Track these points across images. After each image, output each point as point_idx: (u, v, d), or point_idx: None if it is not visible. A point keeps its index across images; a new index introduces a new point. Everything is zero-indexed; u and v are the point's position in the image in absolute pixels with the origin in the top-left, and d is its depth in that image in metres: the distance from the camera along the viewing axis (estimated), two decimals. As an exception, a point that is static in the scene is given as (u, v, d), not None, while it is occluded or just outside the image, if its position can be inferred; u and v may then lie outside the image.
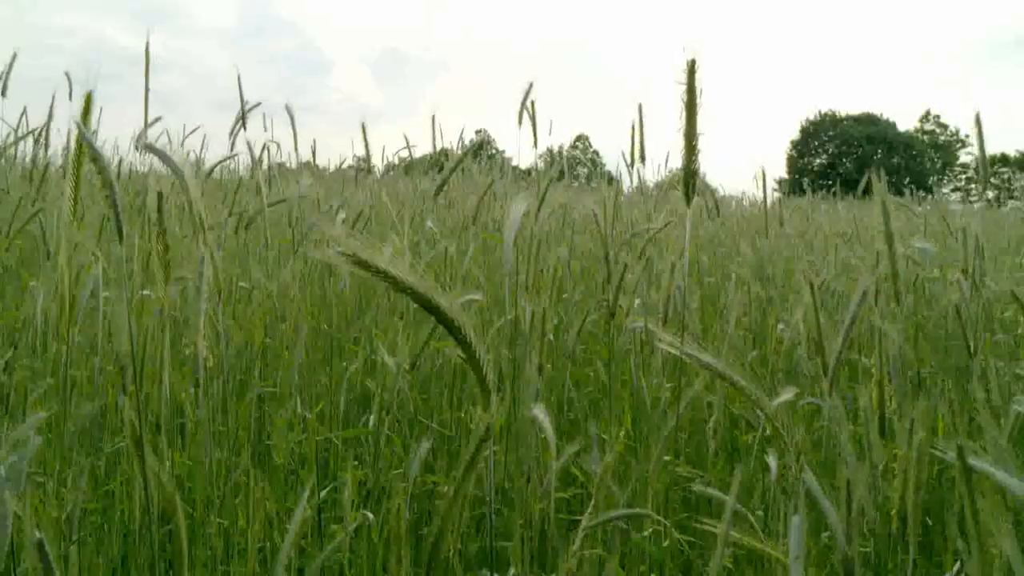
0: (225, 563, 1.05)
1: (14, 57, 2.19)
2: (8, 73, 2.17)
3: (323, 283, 1.61)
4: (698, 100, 0.69)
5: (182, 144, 2.80)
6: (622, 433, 1.38)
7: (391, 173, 4.32)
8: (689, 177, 0.69)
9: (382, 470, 1.08)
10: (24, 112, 2.33)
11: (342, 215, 1.61)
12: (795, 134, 35.20)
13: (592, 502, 0.69)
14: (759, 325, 1.78)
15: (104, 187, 0.63)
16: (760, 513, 1.06)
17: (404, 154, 3.38)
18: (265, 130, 2.48)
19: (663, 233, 1.98)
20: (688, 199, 0.70)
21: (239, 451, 1.11)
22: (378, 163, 3.96)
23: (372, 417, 1.11)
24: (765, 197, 1.94)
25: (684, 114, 0.69)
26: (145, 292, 1.27)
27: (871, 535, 0.83)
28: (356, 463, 1.30)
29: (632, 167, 1.58)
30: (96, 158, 0.64)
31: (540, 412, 0.83)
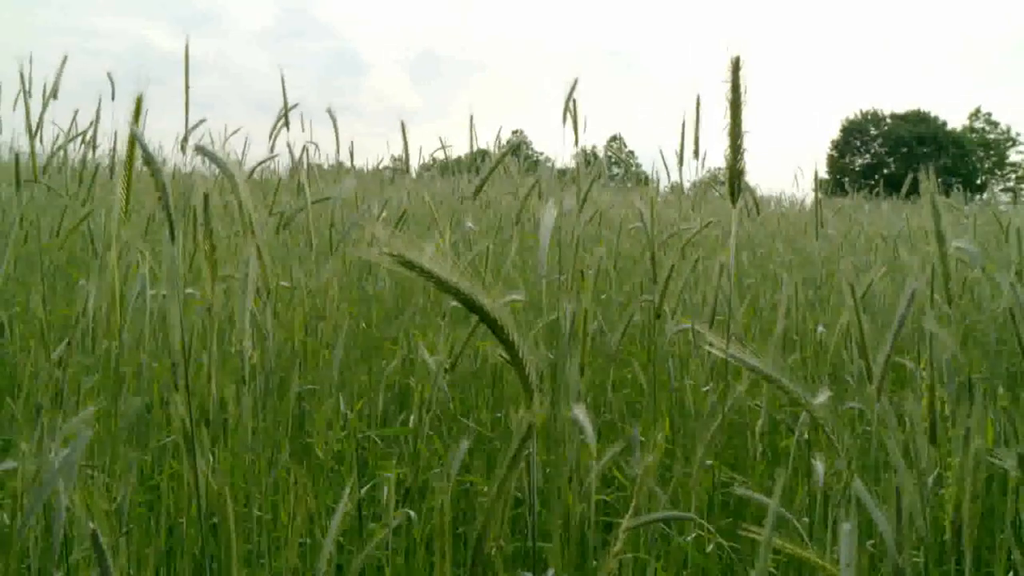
0: (266, 557, 1.07)
1: (64, 60, 2.25)
2: (59, 77, 2.23)
3: (362, 282, 1.63)
4: (743, 98, 0.68)
5: (224, 145, 2.86)
6: (660, 436, 1.37)
7: (426, 174, 4.34)
8: (735, 176, 0.68)
9: (421, 469, 1.09)
10: (75, 115, 2.39)
11: (383, 215, 1.62)
12: (835, 133, 34.50)
13: (633, 503, 0.69)
14: (800, 327, 1.75)
15: (157, 189, 0.65)
16: (806, 520, 1.04)
17: (439, 155, 3.39)
18: (303, 130, 2.52)
19: (702, 233, 1.95)
20: (734, 198, 0.69)
21: (280, 448, 1.12)
22: (414, 163, 3.98)
23: (412, 416, 1.12)
24: (818, 198, 1.90)
25: (729, 112, 0.68)
26: (189, 291, 1.30)
27: (919, 544, 0.81)
28: (394, 461, 1.31)
29: (682, 165, 1.56)
30: (149, 161, 0.66)
31: (580, 412, 0.83)
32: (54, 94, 2.21)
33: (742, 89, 0.68)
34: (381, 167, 4.30)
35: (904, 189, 3.02)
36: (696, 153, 1.59)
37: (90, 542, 0.54)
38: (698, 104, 1.76)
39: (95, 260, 1.81)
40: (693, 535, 1.03)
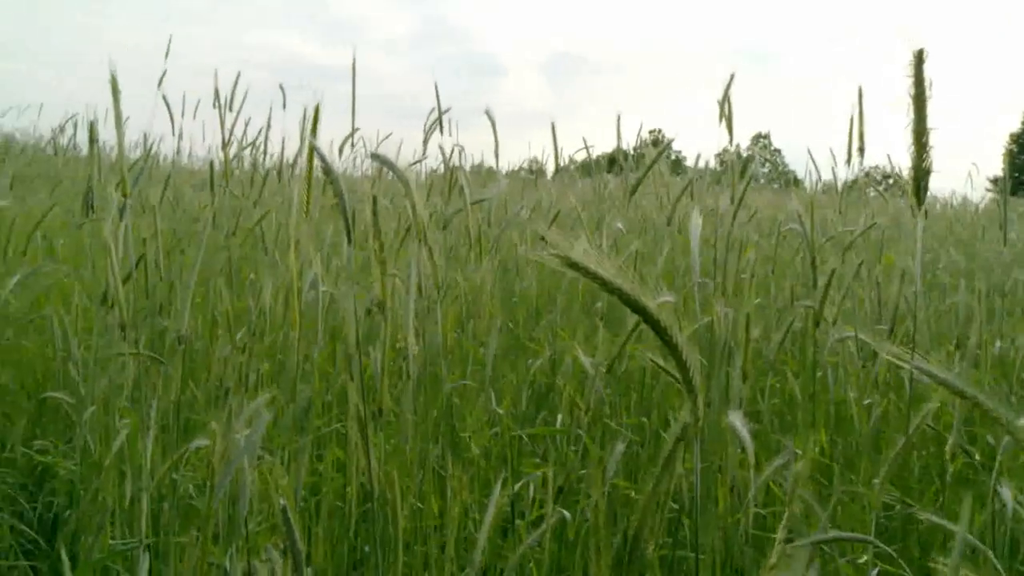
0: (419, 544, 1.11)
1: (238, 76, 2.46)
2: (234, 90, 2.41)
3: (509, 282, 1.66)
4: (928, 92, 0.64)
5: (376, 149, 3.01)
6: (817, 448, 1.30)
7: (562, 174, 4.36)
8: (920, 176, 0.64)
9: (573, 469, 1.09)
10: (247, 124, 2.61)
11: (530, 216, 1.65)
12: (1016, 126, 31.02)
13: (785, 518, 0.65)
14: (979, 340, 1.60)
15: (335, 195, 0.69)
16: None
17: (576, 156, 3.40)
18: (448, 134, 2.61)
19: (860, 236, 1.83)
20: (919, 199, 0.65)
21: (434, 440, 1.17)
22: (552, 165, 4.01)
23: (559, 416, 1.13)
24: (1005, 198, 1.73)
25: (912, 108, 0.64)
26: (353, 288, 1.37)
27: None
28: (539, 460, 1.33)
29: (849, 163, 1.47)
30: (328, 171, 0.71)
31: (738, 420, 0.80)
32: (230, 106, 2.41)
33: (926, 83, 0.64)
34: (519, 169, 4.37)
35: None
36: (861, 150, 1.50)
37: (280, 516, 0.59)
38: (860, 97, 1.65)
39: (264, 257, 1.96)
40: (861, 558, 0.97)
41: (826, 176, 3.02)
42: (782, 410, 1.66)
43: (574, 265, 0.57)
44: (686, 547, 1.16)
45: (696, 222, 1.11)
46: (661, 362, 0.95)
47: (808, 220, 1.16)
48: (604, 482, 0.75)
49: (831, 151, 2.69)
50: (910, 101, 0.67)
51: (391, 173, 0.78)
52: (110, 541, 1.07)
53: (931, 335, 1.87)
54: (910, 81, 0.68)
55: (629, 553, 0.57)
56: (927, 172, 0.66)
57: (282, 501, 0.56)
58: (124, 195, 1.02)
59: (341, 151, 2.37)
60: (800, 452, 1.23)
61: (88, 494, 1.14)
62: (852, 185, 2.91)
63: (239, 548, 0.95)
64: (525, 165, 4.49)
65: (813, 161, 3.38)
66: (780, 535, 0.73)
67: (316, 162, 0.84)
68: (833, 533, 0.68)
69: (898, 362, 0.59)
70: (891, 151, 3.32)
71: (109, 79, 1.05)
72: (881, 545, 0.75)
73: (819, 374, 1.44)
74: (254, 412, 0.90)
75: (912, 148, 0.68)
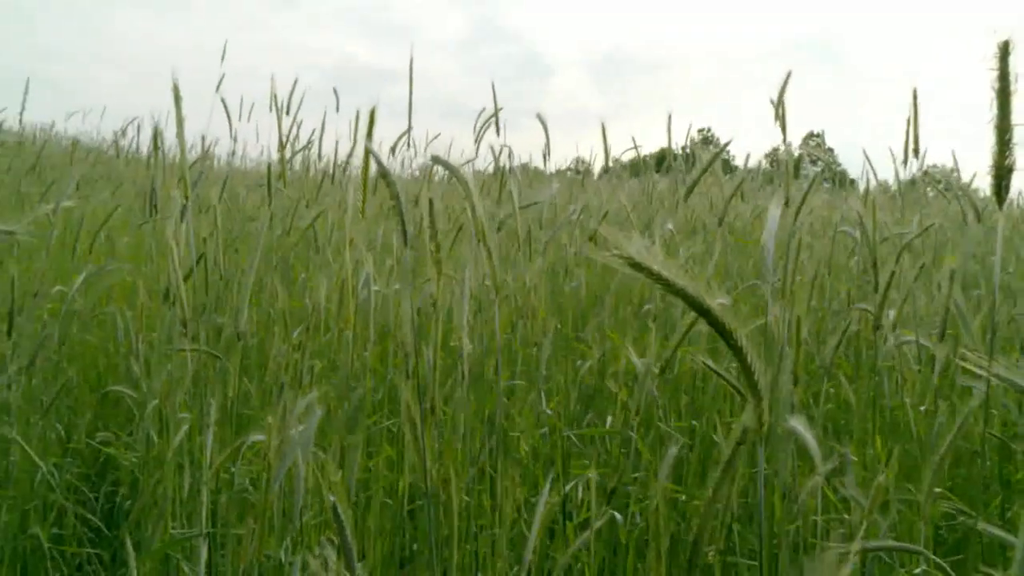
0: (469, 542, 1.12)
1: (295, 83, 2.51)
2: (291, 95, 2.46)
3: (558, 283, 1.66)
4: (1013, 87, 0.61)
5: (426, 149, 3.04)
6: (870, 455, 1.27)
7: (607, 174, 4.33)
8: (1003, 174, 0.61)
9: (624, 472, 1.09)
10: (300, 125, 2.66)
11: (580, 217, 1.64)
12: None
13: (863, 527, 0.64)
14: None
15: (392, 198, 0.70)
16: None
17: (623, 156, 3.38)
18: (497, 135, 2.62)
19: (919, 238, 1.78)
20: (1001, 199, 0.62)
21: (485, 439, 1.17)
22: (598, 165, 3.99)
23: (608, 417, 1.12)
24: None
25: (996, 103, 0.61)
26: (397, 287, 1.39)
27: None
28: (587, 462, 1.32)
29: (906, 163, 1.44)
30: (385, 175, 0.71)
31: (798, 424, 0.78)
32: (288, 111, 2.45)
33: (1011, 76, 0.61)
34: (566, 169, 4.35)
35: None
36: (916, 151, 1.46)
37: (331, 512, 0.60)
38: (915, 99, 1.61)
39: (316, 256, 2.00)
40: (920, 569, 0.94)
41: (882, 176, 2.94)
42: (835, 416, 1.61)
43: (637, 265, 0.56)
44: (735, 553, 1.14)
45: (774, 213, 1.07)
46: (712, 364, 0.93)
47: (870, 221, 1.12)
48: (661, 488, 0.75)
49: (890, 150, 2.62)
50: (993, 95, 0.65)
51: (440, 173, 0.78)
52: (170, 531, 1.10)
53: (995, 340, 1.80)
54: (994, 74, 0.65)
55: (690, 559, 0.57)
56: (1010, 170, 0.63)
57: (331, 497, 0.57)
58: (186, 196, 1.05)
59: (393, 151, 2.40)
60: (855, 459, 1.19)
61: (150, 485, 1.18)
62: (910, 185, 2.82)
63: (294, 540, 0.97)
64: (572, 165, 4.47)
65: (869, 161, 3.29)
66: (855, 547, 0.71)
67: (371, 164, 0.85)
68: (884, 542, 0.66)
69: (975, 369, 0.57)
70: (956, 149, 3.20)
71: (172, 87, 1.08)
72: (931, 556, 0.72)
73: (875, 379, 1.40)
74: (307, 408, 0.92)
75: (994, 144, 0.65)
